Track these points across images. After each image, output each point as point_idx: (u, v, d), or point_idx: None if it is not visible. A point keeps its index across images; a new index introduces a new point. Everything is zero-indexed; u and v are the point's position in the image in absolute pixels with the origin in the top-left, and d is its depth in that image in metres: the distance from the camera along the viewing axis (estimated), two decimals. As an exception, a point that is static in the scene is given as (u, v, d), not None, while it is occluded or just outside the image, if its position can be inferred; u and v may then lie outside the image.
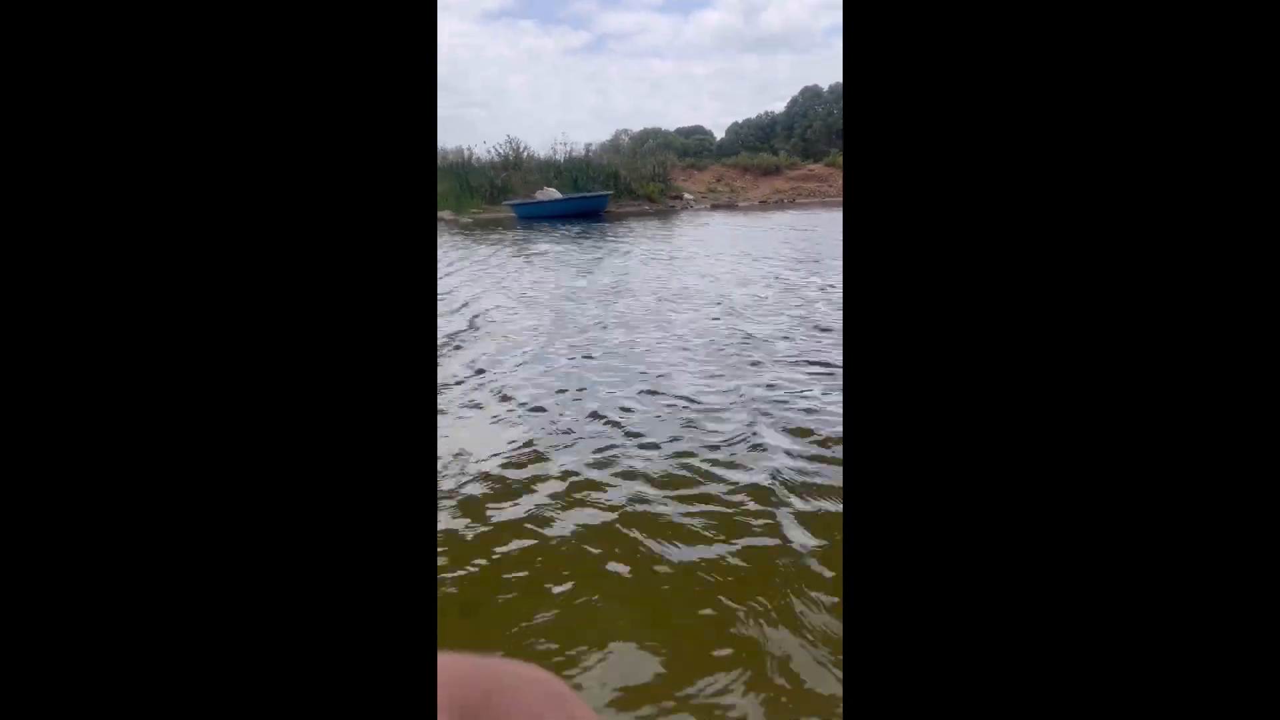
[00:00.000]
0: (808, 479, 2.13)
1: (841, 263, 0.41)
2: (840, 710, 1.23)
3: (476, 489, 2.17)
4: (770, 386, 3.09)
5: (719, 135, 39.00)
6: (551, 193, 16.06)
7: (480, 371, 3.55)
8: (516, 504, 2.07)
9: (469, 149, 18.87)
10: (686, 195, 18.19)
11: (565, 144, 19.70)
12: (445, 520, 1.98)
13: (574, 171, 18.06)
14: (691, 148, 29.90)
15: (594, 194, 16.02)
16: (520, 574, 1.70)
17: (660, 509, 1.99)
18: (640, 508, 2.01)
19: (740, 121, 38.32)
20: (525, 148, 19.34)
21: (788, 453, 2.35)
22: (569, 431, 2.66)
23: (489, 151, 18.97)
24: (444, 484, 2.21)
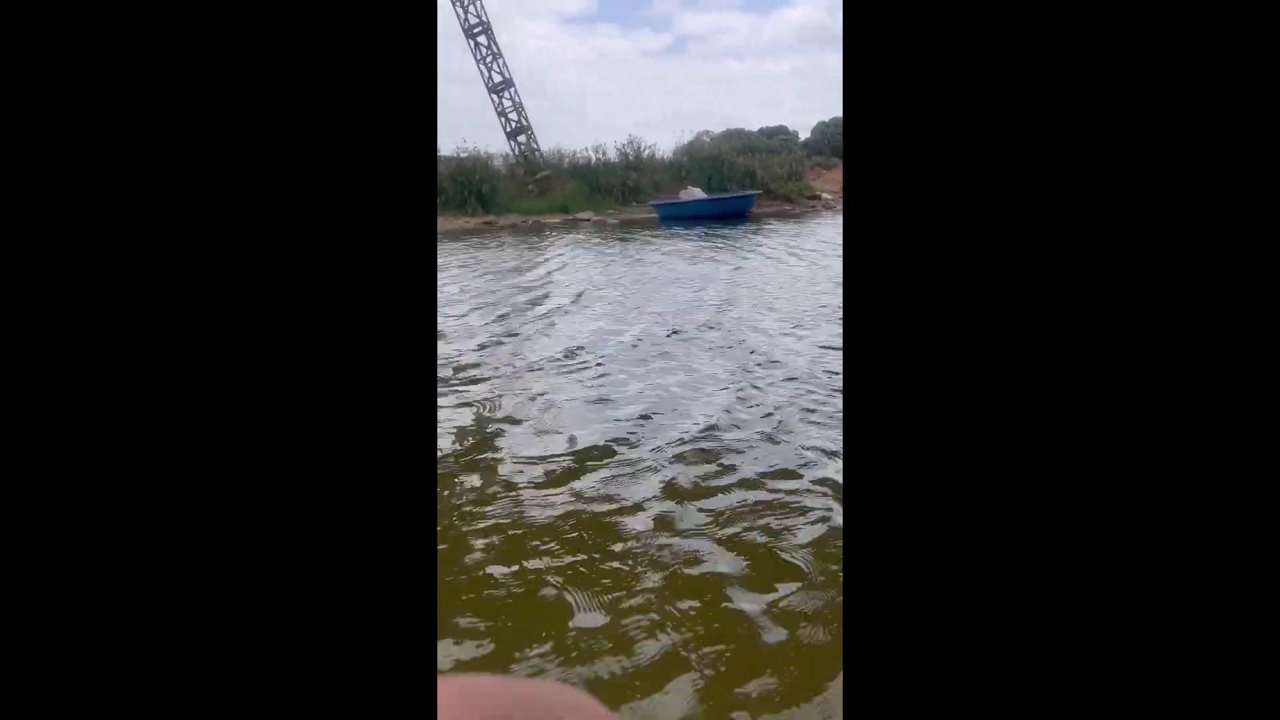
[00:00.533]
0: None
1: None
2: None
3: None
4: None
5: (803, 135, 38.07)
6: (696, 192, 15.54)
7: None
8: None
9: (601, 148, 18.57)
10: (825, 195, 17.45)
11: (688, 139, 19.21)
12: None
13: (706, 170, 17.53)
14: (776, 148, 29.11)
15: (740, 194, 15.44)
16: None
17: None
18: None
19: (826, 120, 37.30)
20: (647, 147, 18.96)
21: None
22: None
23: (618, 153, 18.64)
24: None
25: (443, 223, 14.77)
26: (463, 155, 17.26)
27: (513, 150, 20.28)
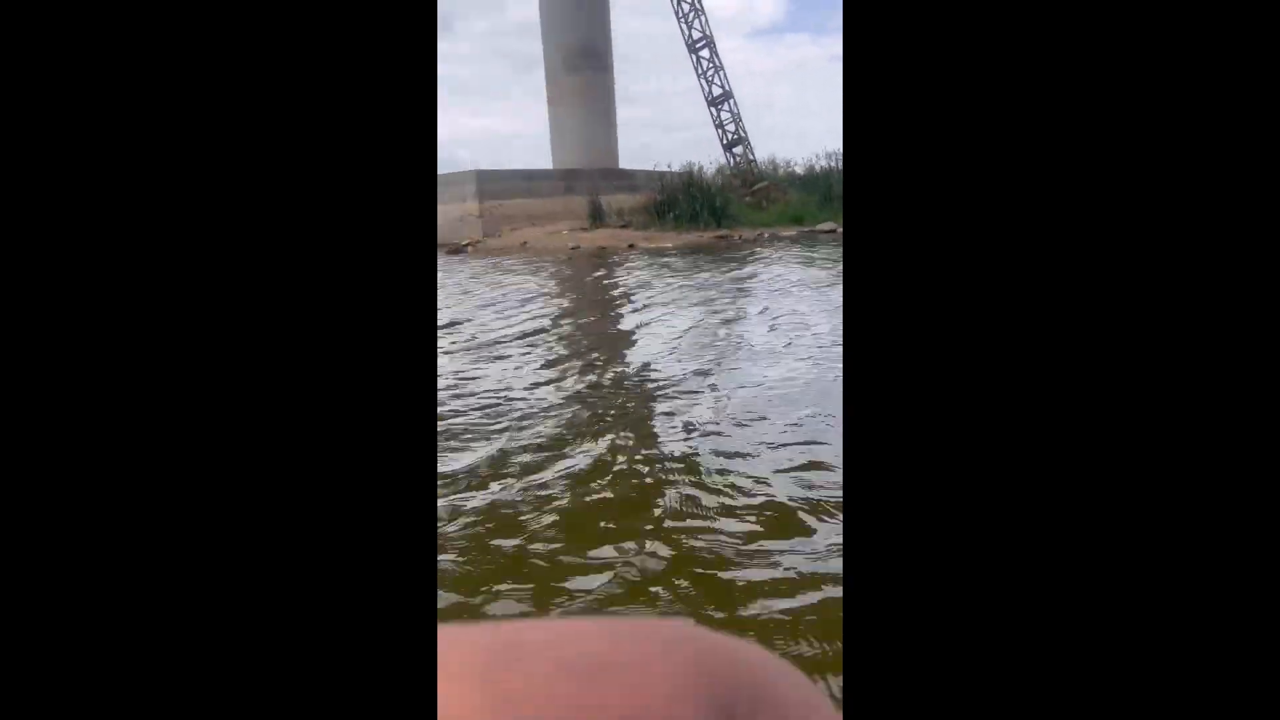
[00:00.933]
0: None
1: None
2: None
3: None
4: None
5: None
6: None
7: None
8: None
9: (833, 155, 17.84)
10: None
11: None
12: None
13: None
14: None
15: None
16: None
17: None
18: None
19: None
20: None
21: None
22: None
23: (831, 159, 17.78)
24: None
25: (674, 237, 14.80)
26: (681, 169, 17.33)
27: (728, 162, 20.14)
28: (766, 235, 14.53)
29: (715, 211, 15.56)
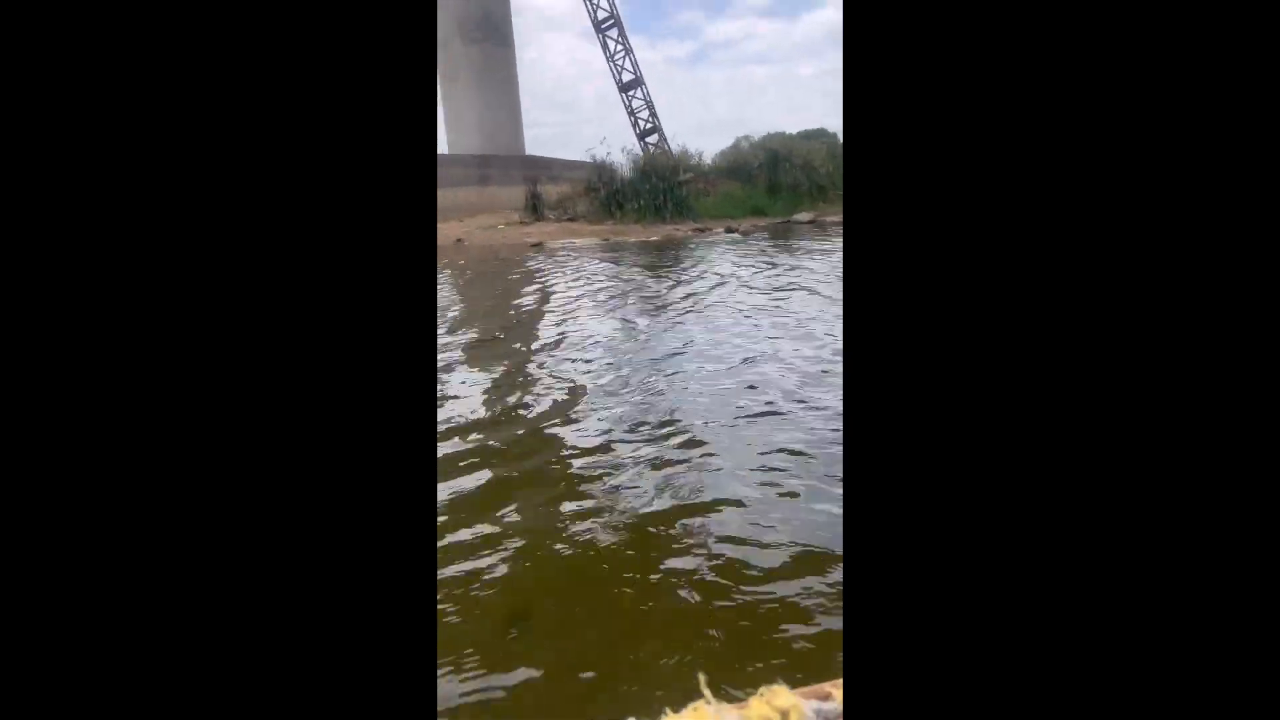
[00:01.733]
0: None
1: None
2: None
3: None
4: None
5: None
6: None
7: None
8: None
9: (748, 137, 17.43)
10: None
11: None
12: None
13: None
14: (822, 151, 28.58)
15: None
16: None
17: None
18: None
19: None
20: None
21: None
22: None
23: (758, 148, 17.52)
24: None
25: (641, 230, 13.39)
26: (593, 160, 15.83)
27: (644, 150, 19.00)
28: (747, 226, 13.74)
29: (679, 203, 14.39)
